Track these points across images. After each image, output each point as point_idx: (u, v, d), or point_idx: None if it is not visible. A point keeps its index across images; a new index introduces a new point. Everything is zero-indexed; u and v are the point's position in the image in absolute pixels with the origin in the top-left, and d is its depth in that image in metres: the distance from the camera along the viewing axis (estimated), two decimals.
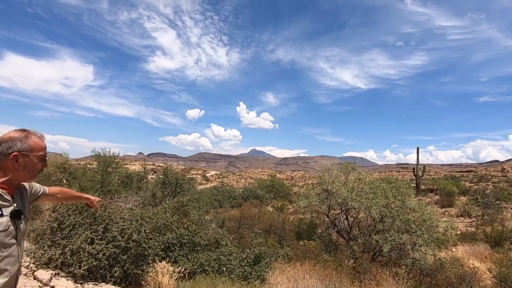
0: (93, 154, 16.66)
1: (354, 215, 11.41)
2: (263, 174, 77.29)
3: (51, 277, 3.89)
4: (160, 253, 5.07)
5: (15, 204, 1.42)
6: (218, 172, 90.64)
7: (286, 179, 70.07)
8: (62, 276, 3.93)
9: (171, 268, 4.29)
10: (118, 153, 17.76)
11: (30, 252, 4.19)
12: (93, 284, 3.98)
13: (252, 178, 70.37)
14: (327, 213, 10.57)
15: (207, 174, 76.23)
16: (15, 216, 1.40)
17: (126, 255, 4.15)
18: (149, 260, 4.44)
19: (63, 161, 19.11)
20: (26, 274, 4.13)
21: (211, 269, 4.99)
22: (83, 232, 4.17)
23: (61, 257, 4.02)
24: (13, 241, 1.39)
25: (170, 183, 11.51)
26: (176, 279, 4.29)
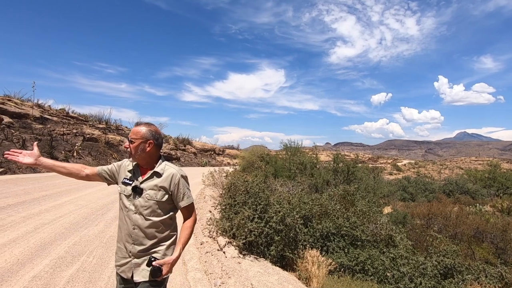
0: (283, 145, 19.48)
1: None
2: (479, 164, 59.07)
3: (225, 244, 4.71)
4: (317, 241, 4.91)
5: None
6: (413, 161, 78.62)
7: None
8: (232, 245, 4.67)
9: (322, 259, 4.01)
10: (301, 144, 19.80)
11: (216, 221, 5.29)
12: (254, 257, 4.43)
13: (462, 169, 55.57)
14: None
15: (399, 163, 67.99)
16: (134, 190, 1.78)
17: (278, 237, 4.31)
18: (300, 246, 4.38)
19: (262, 152, 23.70)
20: (213, 237, 5.27)
21: (373, 270, 4.23)
22: (247, 210, 4.74)
23: (232, 229, 4.77)
24: (132, 208, 1.76)
25: (342, 170, 11.11)
26: (329, 272, 3.96)
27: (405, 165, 66.24)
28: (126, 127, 30.10)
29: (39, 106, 20.74)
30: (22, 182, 9.06)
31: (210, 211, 6.74)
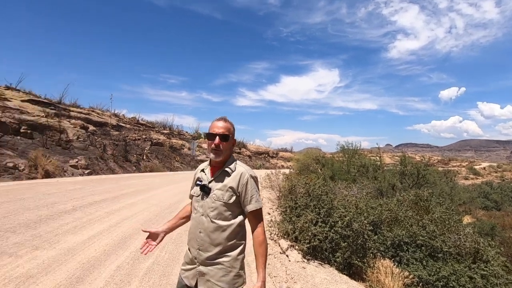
0: (339, 147, 18.69)
1: None
2: None
3: (288, 247, 4.61)
4: (388, 250, 4.49)
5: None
6: (495, 164, 67.99)
7: None
8: (295, 249, 4.55)
9: (396, 270, 3.63)
10: (360, 146, 18.74)
11: (277, 223, 5.24)
12: (318, 263, 4.24)
13: None
14: None
15: (476, 167, 59.51)
16: (202, 189, 1.67)
17: (345, 243, 4.05)
18: (370, 254, 4.03)
19: (317, 155, 23.13)
20: (275, 240, 5.21)
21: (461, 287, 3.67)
22: (309, 213, 4.57)
23: (295, 232, 4.65)
24: (200, 209, 1.67)
25: (410, 173, 10.06)
26: (404, 285, 3.56)
27: (484, 168, 57.64)
28: (187, 132, 32.32)
29: (115, 115, 23.56)
30: (104, 182, 10.32)
31: (269, 213, 6.73)
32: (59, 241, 4.07)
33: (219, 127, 1.67)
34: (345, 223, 4.11)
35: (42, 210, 5.49)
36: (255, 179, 1.70)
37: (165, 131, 27.26)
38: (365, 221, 4.21)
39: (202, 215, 1.63)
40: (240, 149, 32.56)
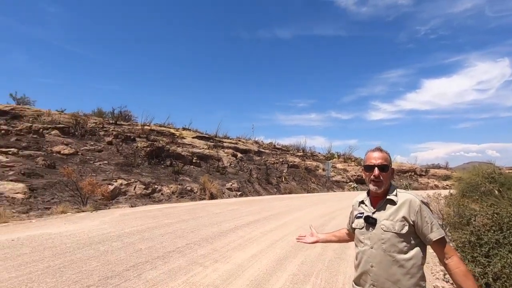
0: None
1: None
2: None
3: None
4: None
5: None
6: None
7: None
8: None
9: None
10: None
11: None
12: None
13: None
14: None
15: None
16: (367, 220, 1.62)
17: None
18: None
19: (490, 170, 17.86)
20: (451, 282, 4.18)
21: None
22: (507, 254, 3.42)
23: (485, 277, 3.57)
24: (368, 242, 1.59)
25: None
26: None
27: None
28: (319, 153, 32.48)
29: (256, 142, 26.63)
30: (253, 203, 11.58)
31: None
32: (230, 256, 4.74)
33: (376, 157, 1.64)
34: None
35: (214, 227, 6.64)
36: (427, 204, 1.57)
37: (299, 154, 28.40)
38: None
39: (372, 247, 1.57)
40: None
